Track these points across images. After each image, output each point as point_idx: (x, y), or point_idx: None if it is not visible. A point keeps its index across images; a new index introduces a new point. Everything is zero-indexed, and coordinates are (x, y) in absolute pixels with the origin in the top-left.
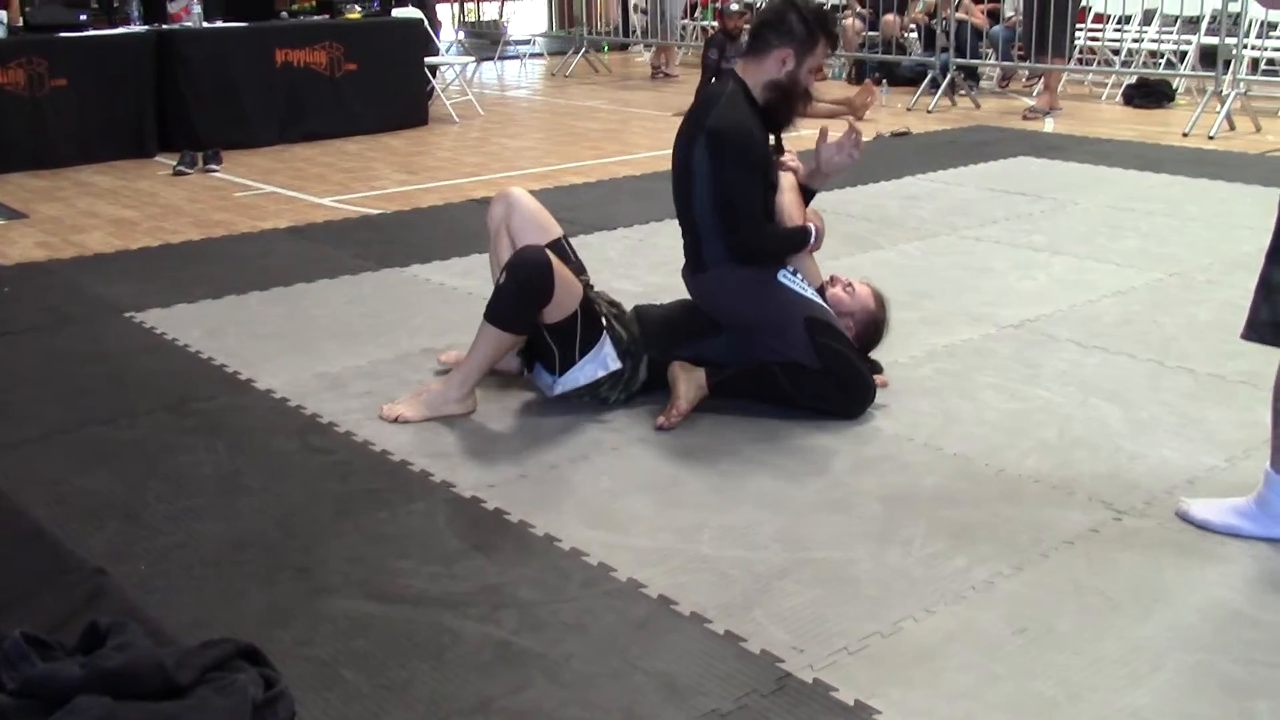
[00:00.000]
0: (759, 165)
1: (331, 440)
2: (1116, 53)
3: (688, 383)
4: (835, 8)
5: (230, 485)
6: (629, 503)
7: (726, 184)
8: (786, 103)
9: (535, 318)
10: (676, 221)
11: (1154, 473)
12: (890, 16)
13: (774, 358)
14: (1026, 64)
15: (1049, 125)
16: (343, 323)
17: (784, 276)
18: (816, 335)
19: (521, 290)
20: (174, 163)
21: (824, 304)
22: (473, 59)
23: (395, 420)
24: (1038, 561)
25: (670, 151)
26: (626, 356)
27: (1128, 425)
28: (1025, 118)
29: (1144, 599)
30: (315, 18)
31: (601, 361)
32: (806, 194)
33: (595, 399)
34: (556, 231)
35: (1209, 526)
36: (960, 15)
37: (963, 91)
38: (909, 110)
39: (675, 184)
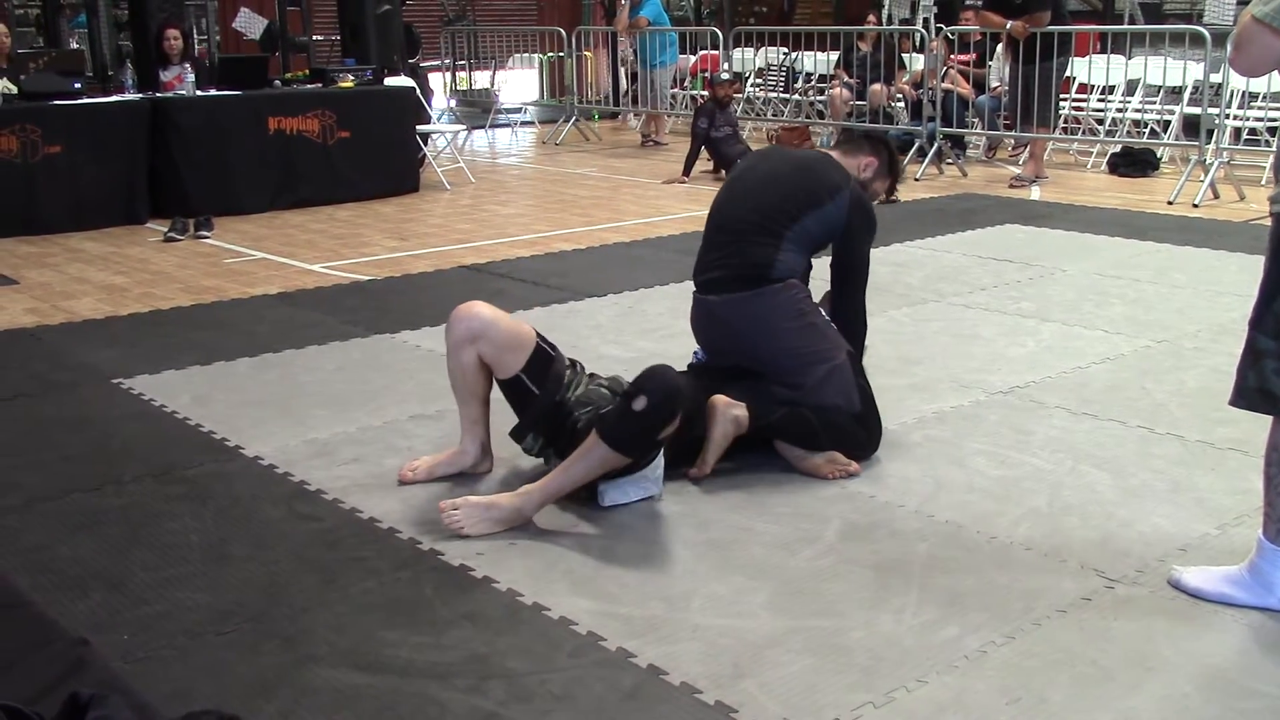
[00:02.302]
0: None
1: (319, 508)
2: (1101, 122)
3: (723, 422)
4: (823, 77)
5: (216, 553)
6: (618, 571)
7: (862, 250)
8: None
9: (656, 442)
10: (693, 273)
11: (1145, 540)
12: (877, 86)
13: (803, 397)
14: (1012, 133)
15: (1035, 193)
16: (332, 389)
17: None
18: (858, 375)
19: (653, 414)
20: (165, 229)
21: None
22: (464, 127)
23: (457, 530)
24: (1030, 630)
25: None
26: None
27: (1118, 492)
28: (1011, 186)
29: (1137, 669)
30: (308, 86)
31: (653, 480)
32: None
33: None
34: (531, 338)
35: (1201, 595)
36: (946, 85)
37: (949, 160)
38: None
39: (771, 192)
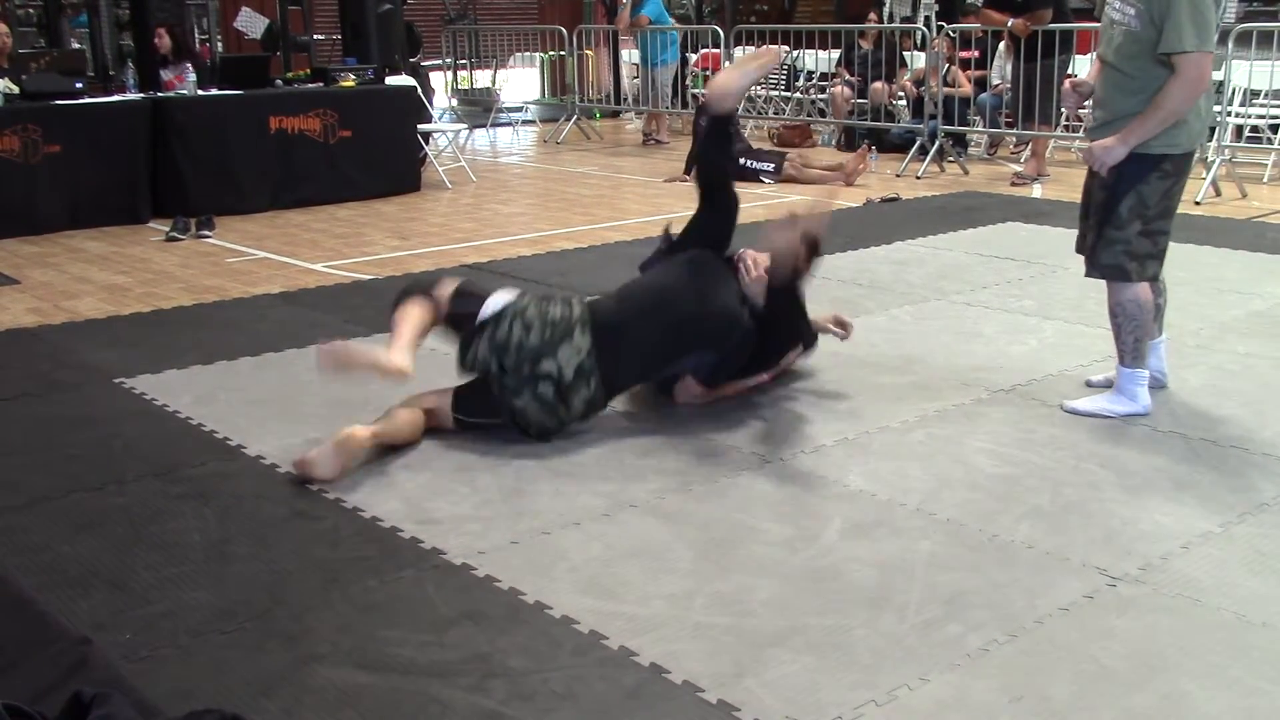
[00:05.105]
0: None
1: (321, 507)
2: None
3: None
4: (824, 76)
5: (218, 553)
6: (620, 569)
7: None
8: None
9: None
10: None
11: (1148, 538)
12: (879, 84)
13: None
14: (1014, 131)
15: (1037, 191)
16: (333, 389)
17: None
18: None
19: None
20: (167, 229)
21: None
22: (465, 126)
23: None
24: (1032, 629)
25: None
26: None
27: (1121, 490)
28: (1013, 184)
29: (1140, 667)
30: (310, 85)
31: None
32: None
33: (562, 406)
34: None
35: (1090, 414)
36: (948, 88)
37: (951, 158)
38: (898, 176)
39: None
